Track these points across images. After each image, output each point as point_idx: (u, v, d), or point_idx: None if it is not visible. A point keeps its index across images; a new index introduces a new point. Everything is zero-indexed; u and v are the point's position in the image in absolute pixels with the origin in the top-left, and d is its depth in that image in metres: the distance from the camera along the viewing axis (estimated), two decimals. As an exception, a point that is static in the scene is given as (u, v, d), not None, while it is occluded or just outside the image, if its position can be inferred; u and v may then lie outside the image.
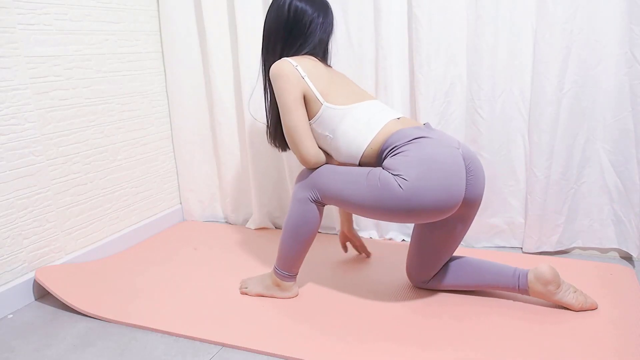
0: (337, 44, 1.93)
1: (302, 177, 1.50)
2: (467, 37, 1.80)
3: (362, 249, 1.89)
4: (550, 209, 1.81)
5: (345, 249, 1.90)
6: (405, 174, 1.32)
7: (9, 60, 1.58)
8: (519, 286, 1.45)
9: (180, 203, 2.39)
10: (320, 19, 1.52)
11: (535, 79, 1.74)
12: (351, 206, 1.43)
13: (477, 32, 1.77)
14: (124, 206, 2.06)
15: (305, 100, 1.45)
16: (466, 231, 1.53)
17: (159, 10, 2.15)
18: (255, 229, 2.23)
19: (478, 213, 1.90)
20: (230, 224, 2.34)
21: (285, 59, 1.46)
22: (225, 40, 2.11)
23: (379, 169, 1.38)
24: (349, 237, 1.86)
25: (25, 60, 1.63)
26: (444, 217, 1.39)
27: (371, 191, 1.36)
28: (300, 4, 1.49)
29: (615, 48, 1.66)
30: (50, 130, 1.72)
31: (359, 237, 1.89)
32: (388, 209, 1.35)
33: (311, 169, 1.48)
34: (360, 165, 1.47)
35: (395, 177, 1.33)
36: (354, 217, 2.11)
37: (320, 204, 1.48)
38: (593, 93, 1.72)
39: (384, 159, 1.40)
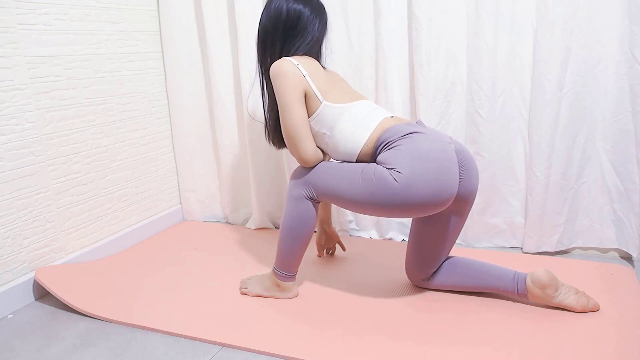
0: (337, 44, 1.93)
1: (296, 174, 1.51)
2: (467, 37, 1.80)
3: (340, 244, 1.90)
4: (550, 209, 1.81)
5: (321, 253, 1.88)
6: (400, 167, 1.33)
7: (9, 60, 1.58)
8: (517, 290, 1.44)
9: (180, 203, 2.38)
10: (317, 21, 1.52)
11: (535, 79, 1.74)
12: (346, 202, 1.43)
13: (477, 32, 1.77)
14: (124, 206, 2.06)
15: (305, 99, 1.46)
16: (461, 227, 1.54)
17: (159, 10, 2.15)
18: (255, 229, 2.23)
19: (478, 213, 1.92)
20: (230, 224, 2.34)
21: (286, 58, 1.46)
22: (225, 40, 2.11)
23: (373, 164, 1.39)
24: (330, 234, 1.85)
25: (25, 60, 1.63)
26: (439, 210, 1.40)
27: (366, 186, 1.36)
28: (297, 6, 1.49)
29: (615, 48, 1.66)
30: (50, 130, 1.72)
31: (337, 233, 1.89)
32: (383, 203, 1.35)
33: (309, 168, 1.48)
34: (356, 162, 1.47)
35: (389, 170, 1.34)
36: (355, 217, 2.12)
37: (315, 201, 1.49)
38: (593, 93, 1.72)
39: (378, 154, 1.41)
